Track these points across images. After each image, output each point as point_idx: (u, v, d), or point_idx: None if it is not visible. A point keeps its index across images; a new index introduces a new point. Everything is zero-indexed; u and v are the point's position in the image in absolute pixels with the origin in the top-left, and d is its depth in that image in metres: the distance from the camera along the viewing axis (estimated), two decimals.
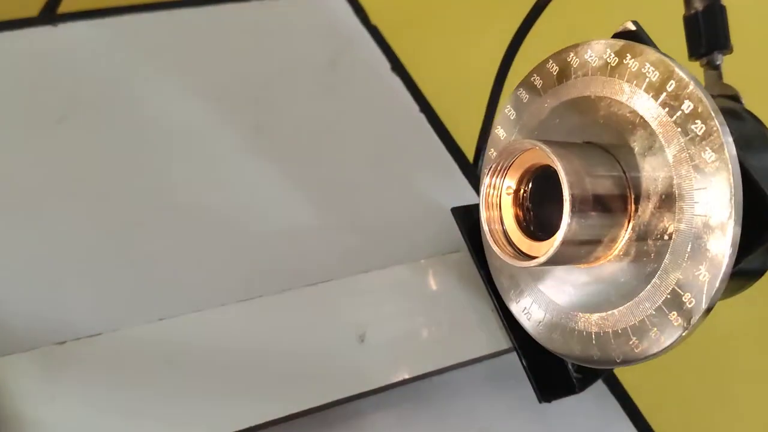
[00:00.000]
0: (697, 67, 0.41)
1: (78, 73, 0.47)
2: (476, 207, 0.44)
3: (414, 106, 0.53)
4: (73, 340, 0.34)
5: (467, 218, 0.43)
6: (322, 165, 0.48)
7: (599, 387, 0.44)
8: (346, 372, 0.37)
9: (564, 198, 0.31)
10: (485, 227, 0.34)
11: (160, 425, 0.35)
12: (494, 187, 0.35)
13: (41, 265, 0.39)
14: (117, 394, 0.34)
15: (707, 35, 0.39)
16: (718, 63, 0.40)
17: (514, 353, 0.40)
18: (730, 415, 0.49)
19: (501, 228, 0.35)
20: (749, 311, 0.53)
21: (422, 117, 0.53)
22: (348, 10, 0.56)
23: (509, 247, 0.34)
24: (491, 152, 0.40)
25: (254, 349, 0.37)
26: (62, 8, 0.52)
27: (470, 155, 0.52)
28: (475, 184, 0.50)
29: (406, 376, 0.38)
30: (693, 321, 0.31)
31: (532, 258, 0.33)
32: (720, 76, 0.40)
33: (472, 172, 0.51)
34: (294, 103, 0.51)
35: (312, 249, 0.43)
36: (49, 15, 0.50)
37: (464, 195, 0.49)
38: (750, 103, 0.39)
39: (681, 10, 0.40)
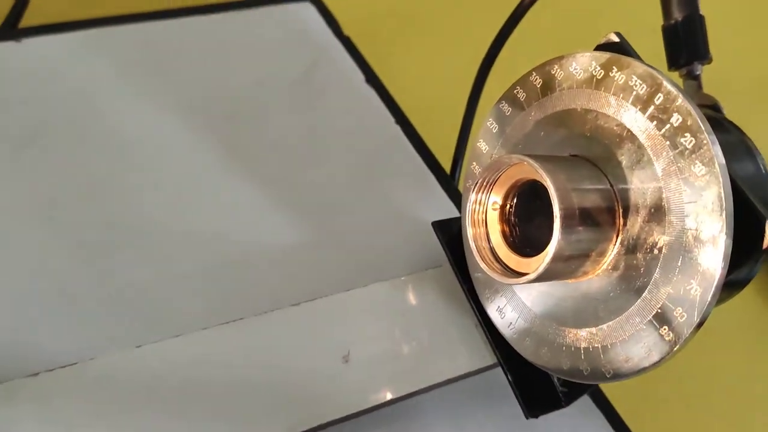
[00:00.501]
0: (676, 77, 0.41)
1: (43, 91, 0.45)
2: (456, 220, 0.43)
3: (390, 118, 0.52)
4: (47, 371, 0.33)
5: (447, 231, 0.42)
6: (299, 181, 0.47)
7: (585, 401, 0.43)
8: (332, 394, 0.36)
9: (554, 214, 0.30)
10: (472, 245, 0.34)
11: None
12: (480, 203, 0.34)
13: (10, 294, 0.37)
14: (95, 425, 0.33)
15: (687, 45, 0.40)
16: (697, 73, 0.40)
17: (499, 369, 0.39)
18: (711, 423, 0.49)
19: (488, 245, 0.34)
20: (729, 319, 0.53)
21: (398, 129, 0.52)
22: (321, 22, 0.56)
23: (497, 264, 0.34)
24: (474, 166, 0.39)
25: (236, 373, 0.36)
26: (24, 22, 0.50)
27: (447, 166, 0.51)
28: (453, 196, 0.50)
29: (392, 397, 0.37)
30: (684, 336, 0.30)
31: (521, 274, 0.32)
32: (700, 86, 0.40)
33: (450, 184, 0.50)
34: (268, 118, 0.50)
35: (291, 268, 0.42)
36: (11, 30, 0.49)
37: (442, 206, 0.49)
38: (729, 113, 0.39)
39: (660, 21, 0.40)
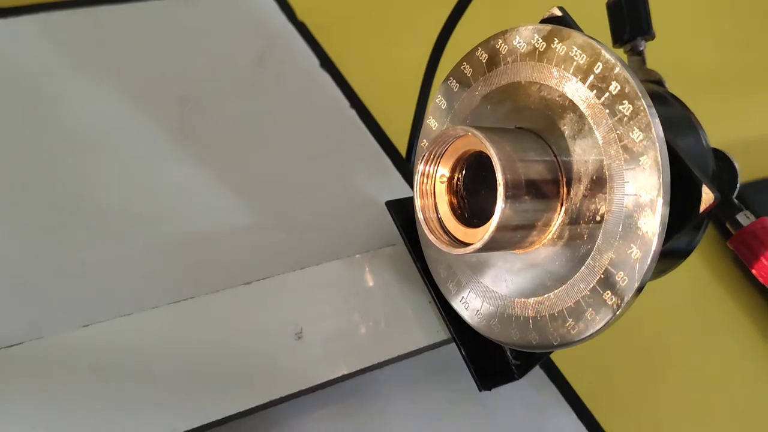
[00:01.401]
0: (621, 53, 0.41)
1: None
2: (410, 200, 0.44)
3: (345, 102, 0.52)
4: None
5: (402, 211, 0.43)
6: (252, 163, 0.47)
7: (538, 374, 0.44)
8: (285, 370, 0.36)
9: (497, 183, 0.30)
10: (420, 215, 0.34)
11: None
12: (428, 176, 0.35)
13: None
14: (41, 405, 0.32)
15: (630, 21, 0.40)
16: (641, 49, 0.41)
17: (453, 344, 0.40)
18: (665, 397, 0.50)
19: (436, 216, 0.34)
20: (679, 294, 0.54)
21: (353, 113, 0.52)
22: (275, 7, 0.55)
23: (445, 236, 0.34)
24: (424, 143, 0.40)
25: (187, 351, 0.36)
26: None
27: (403, 150, 0.51)
28: (408, 179, 0.50)
29: (345, 372, 0.37)
30: (626, 299, 0.31)
31: (468, 245, 0.33)
32: (644, 62, 0.41)
33: (405, 167, 0.51)
34: (221, 102, 0.50)
35: (245, 248, 0.42)
36: None
37: (397, 189, 0.49)
38: (672, 87, 0.40)
39: None
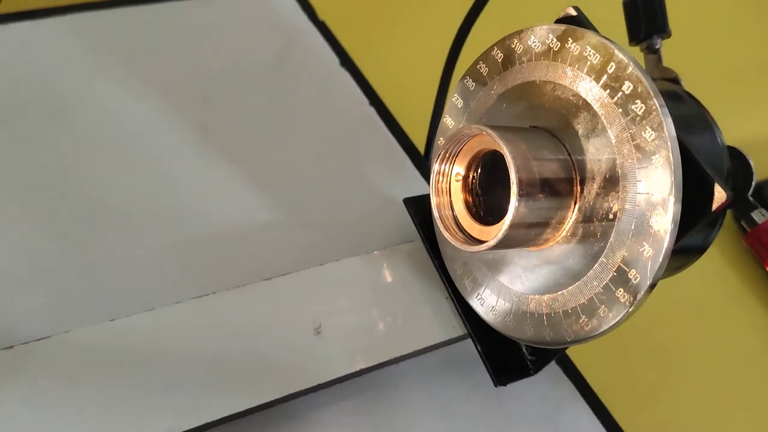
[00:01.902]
0: (637, 51, 0.42)
1: (20, 75, 0.46)
2: (428, 197, 0.44)
3: (364, 100, 0.53)
4: (22, 344, 0.34)
5: (419, 208, 0.43)
6: (274, 161, 0.48)
7: (553, 369, 0.44)
8: (304, 364, 0.37)
9: (511, 181, 0.31)
10: (435, 213, 0.35)
11: (116, 427, 0.34)
12: (443, 174, 0.35)
13: None
14: (69, 397, 0.34)
15: (646, 20, 0.40)
16: (657, 47, 0.41)
17: (469, 340, 0.40)
18: (680, 393, 0.50)
19: (451, 214, 0.35)
20: (696, 290, 0.54)
21: (372, 110, 0.53)
22: (295, 7, 0.56)
23: (460, 233, 0.35)
24: (440, 141, 0.40)
25: (210, 345, 0.37)
26: (2, 9, 0.50)
27: (421, 147, 0.52)
28: (427, 176, 0.51)
29: (363, 366, 0.38)
30: (639, 296, 0.31)
31: (483, 242, 0.33)
32: (660, 60, 0.41)
33: (423, 165, 0.51)
34: (243, 101, 0.50)
35: (265, 244, 0.43)
36: None
37: (416, 187, 0.50)
38: (689, 85, 0.40)
39: None
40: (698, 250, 0.38)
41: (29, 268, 0.38)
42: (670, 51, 0.42)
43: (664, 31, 0.41)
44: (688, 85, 0.41)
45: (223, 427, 0.35)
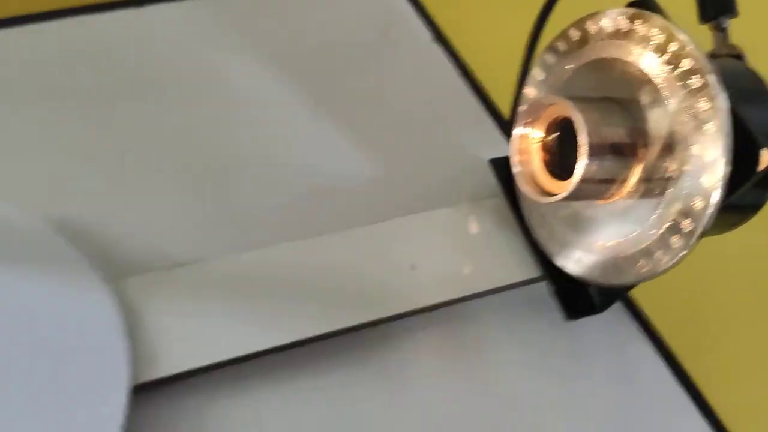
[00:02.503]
0: (706, 30, 0.46)
1: (162, 53, 0.55)
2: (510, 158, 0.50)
3: (454, 72, 0.59)
4: (181, 266, 0.42)
5: (503, 168, 0.49)
6: (375, 127, 0.55)
7: (619, 309, 0.50)
8: (402, 293, 0.44)
9: (579, 143, 0.37)
10: (516, 170, 0.41)
11: (260, 330, 0.42)
12: (524, 137, 0.41)
13: (147, 210, 0.47)
14: (214, 314, 0.42)
15: (714, 1, 0.45)
16: (724, 26, 0.45)
17: (543, 282, 0.47)
18: (736, 331, 0.54)
19: (529, 170, 0.41)
20: (754, 240, 0.57)
21: (462, 82, 0.59)
22: None
23: (537, 187, 0.41)
24: (522, 109, 0.46)
25: (320, 276, 0.44)
26: None
27: (506, 115, 0.58)
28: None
29: (452, 297, 0.44)
30: (690, 242, 0.37)
31: (555, 195, 0.39)
32: (726, 38, 0.45)
33: (508, 129, 0.57)
34: (345, 72, 0.57)
35: (370, 195, 0.50)
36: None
37: (501, 148, 0.55)
38: (754, 61, 0.44)
39: None
40: (752, 208, 0.43)
41: (181, 208, 0.47)
42: (737, 29, 0.46)
43: (731, 11, 0.45)
44: (753, 60, 0.45)
45: (336, 341, 0.42)
